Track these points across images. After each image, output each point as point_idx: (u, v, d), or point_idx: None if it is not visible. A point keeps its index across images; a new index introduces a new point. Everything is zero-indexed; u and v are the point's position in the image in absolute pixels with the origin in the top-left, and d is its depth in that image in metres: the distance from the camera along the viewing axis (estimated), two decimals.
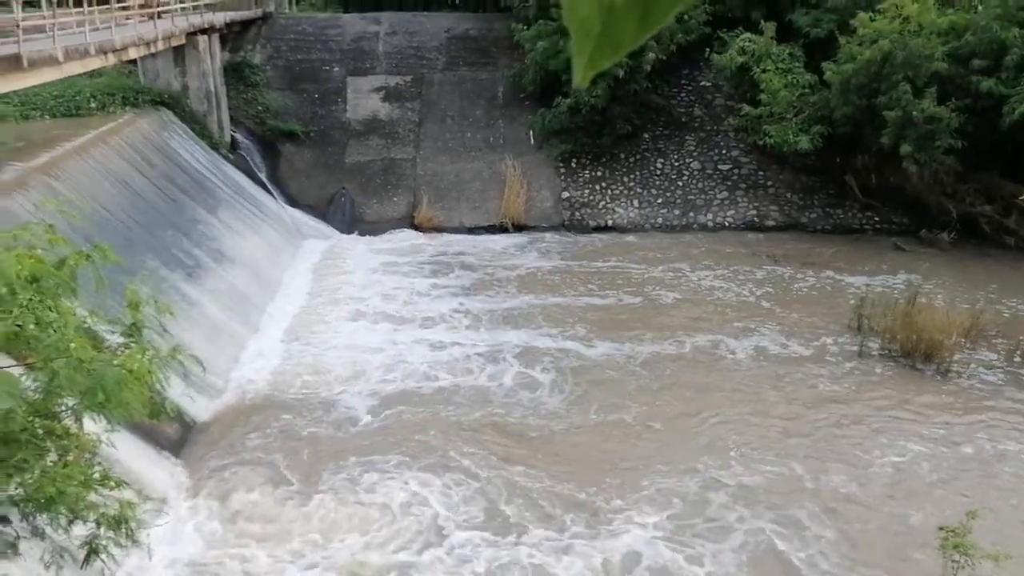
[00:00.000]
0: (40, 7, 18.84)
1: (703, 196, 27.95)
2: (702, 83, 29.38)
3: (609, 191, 28.20)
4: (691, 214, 27.72)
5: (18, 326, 4.67)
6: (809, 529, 12.55)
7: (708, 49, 27.77)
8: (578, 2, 1.02)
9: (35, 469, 5.55)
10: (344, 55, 31.29)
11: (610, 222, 27.72)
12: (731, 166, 28.31)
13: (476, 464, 14.26)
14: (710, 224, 27.52)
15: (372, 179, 28.82)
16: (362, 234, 27.41)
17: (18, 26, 15.83)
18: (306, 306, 21.81)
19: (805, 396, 16.80)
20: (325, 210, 28.09)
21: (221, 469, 14.27)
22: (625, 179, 28.36)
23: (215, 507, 13.13)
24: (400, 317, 21.00)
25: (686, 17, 27.35)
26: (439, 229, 27.60)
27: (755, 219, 27.56)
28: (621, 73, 26.15)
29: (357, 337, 19.83)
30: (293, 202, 28.14)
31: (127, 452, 13.86)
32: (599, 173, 28.47)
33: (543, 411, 16.23)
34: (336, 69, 30.96)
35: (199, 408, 16.28)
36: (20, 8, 16.48)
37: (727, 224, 27.50)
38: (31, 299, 4.28)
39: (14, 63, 15.63)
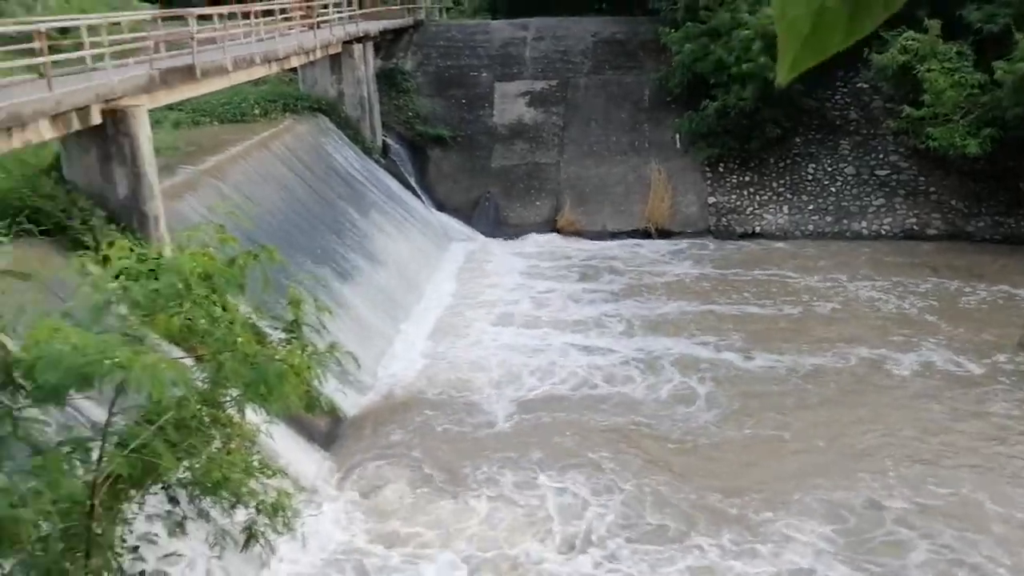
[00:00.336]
0: (212, 20, 20.03)
1: (857, 203, 26.76)
2: (859, 84, 28.13)
3: (757, 196, 27.42)
4: (844, 221, 26.59)
5: (189, 320, 4.97)
6: (991, 555, 11.81)
7: (866, 49, 26.52)
8: (788, 6, 1.01)
9: (202, 455, 5.85)
10: (492, 61, 31.78)
11: (758, 228, 26.94)
12: (889, 171, 26.98)
13: (624, 472, 14.08)
14: (865, 232, 26.30)
15: (516, 183, 29.14)
16: (505, 237, 27.74)
17: (193, 38, 16.90)
18: (451, 307, 22.27)
19: (975, 417, 15.77)
20: (470, 213, 28.60)
21: (367, 463, 14.76)
22: (774, 184, 27.51)
23: (361, 499, 13.60)
24: (543, 320, 21.11)
25: None
26: (581, 233, 27.59)
27: (914, 227, 26.15)
28: (771, 75, 25.37)
29: (501, 339, 20.08)
30: (440, 206, 28.80)
31: (282, 443, 14.54)
32: (747, 178, 27.73)
33: (697, 422, 15.85)
34: (484, 74, 31.49)
35: (348, 404, 16.90)
36: (195, 22, 17.60)
37: (883, 232, 26.21)
38: (204, 295, 4.57)
39: (189, 73, 16.70)
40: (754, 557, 11.95)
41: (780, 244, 26.10)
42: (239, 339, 4.70)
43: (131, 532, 6.15)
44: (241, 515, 6.26)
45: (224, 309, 4.85)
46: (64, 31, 15.89)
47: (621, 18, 33.04)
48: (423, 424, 16.17)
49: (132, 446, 5.19)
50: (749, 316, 20.90)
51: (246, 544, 5.65)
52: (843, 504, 13.01)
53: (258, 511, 5.43)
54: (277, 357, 4.70)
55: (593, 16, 34.08)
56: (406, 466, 14.53)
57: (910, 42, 25.09)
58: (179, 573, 7.71)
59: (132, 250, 5.35)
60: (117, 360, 4.07)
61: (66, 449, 4.69)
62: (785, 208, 27.13)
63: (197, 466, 5.62)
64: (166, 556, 5.49)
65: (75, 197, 14.55)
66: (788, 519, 12.71)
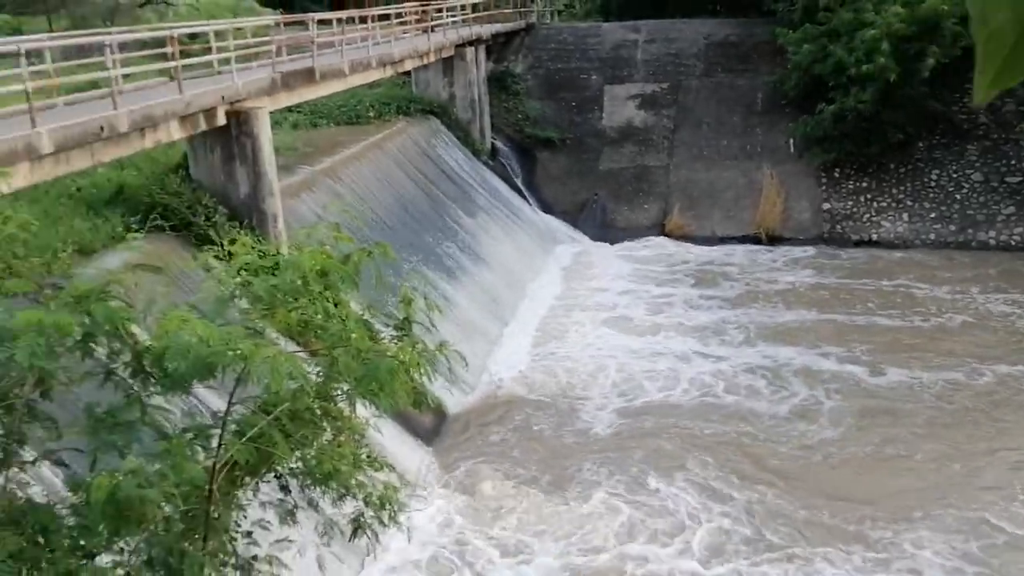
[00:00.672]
0: (331, 25, 20.65)
1: (985, 211, 25.49)
2: None
3: (875, 203, 26.45)
4: (969, 231, 25.37)
5: (305, 316, 5.16)
6: None
7: None
8: (989, 10, 0.92)
9: (313, 446, 6.04)
10: (602, 63, 31.68)
11: (874, 236, 25.98)
12: (1021, 178, 25.60)
13: (733, 485, 13.80)
14: (992, 242, 25.03)
15: (624, 186, 28.96)
16: (612, 241, 27.60)
17: (313, 42, 17.48)
18: (555, 309, 22.30)
19: None
20: (577, 216, 28.58)
21: (469, 460, 14.95)
22: (894, 191, 26.48)
23: (462, 496, 13.79)
24: (649, 324, 20.91)
25: None
26: (690, 238, 27.21)
27: None
28: (894, 77, 24.46)
29: (605, 342, 19.99)
30: (547, 208, 28.89)
31: (389, 438, 14.86)
32: (864, 184, 26.79)
33: (820, 436, 15.39)
34: (594, 77, 31.42)
35: (452, 402, 17.15)
36: (315, 27, 18.21)
37: (1014, 243, 24.87)
38: (320, 292, 4.74)
39: (309, 76, 17.28)
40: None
41: (898, 253, 25.10)
42: (353, 335, 4.85)
43: (245, 518, 6.41)
44: (349, 506, 6.43)
45: (336, 305, 5.01)
46: (193, 36, 16.64)
47: (735, 20, 32.42)
48: (524, 424, 16.26)
49: (249, 435, 5.41)
50: (874, 327, 20.09)
51: (353, 534, 5.81)
52: (970, 530, 12.42)
53: (366, 503, 5.58)
54: (389, 354, 4.82)
55: (707, 18, 33.52)
56: (506, 465, 14.65)
57: None
58: (289, 559, 7.98)
59: (254, 247, 5.58)
60: (240, 351, 4.26)
61: (189, 435, 4.92)
62: (905, 216, 26.09)
63: (309, 457, 5.81)
64: (277, 542, 5.69)
65: (200, 195, 15.26)
66: (912, 539, 12.23)
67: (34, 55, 12.72)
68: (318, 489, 6.12)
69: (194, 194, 15.22)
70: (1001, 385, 16.93)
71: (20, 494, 5.04)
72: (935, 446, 14.81)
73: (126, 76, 14.19)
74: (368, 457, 7.15)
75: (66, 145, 10.54)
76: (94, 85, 14.59)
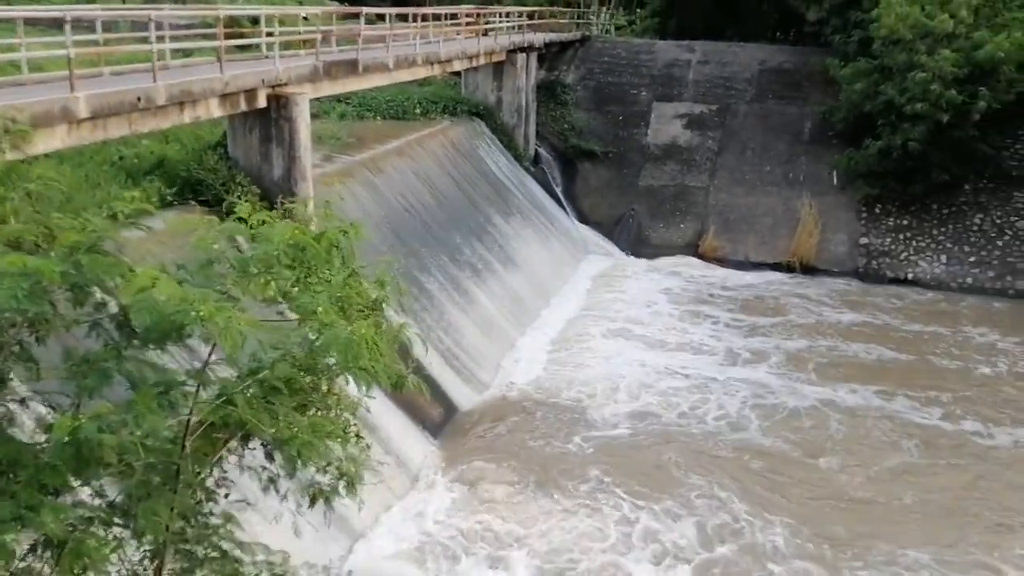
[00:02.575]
0: (385, 21, 21.02)
1: None
2: None
3: (914, 242, 26.13)
4: (1008, 278, 24.94)
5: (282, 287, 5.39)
6: None
7: None
8: None
9: (291, 416, 6.25)
10: (653, 80, 31.74)
11: (910, 275, 25.66)
12: None
13: (734, 509, 13.74)
14: None
15: (662, 204, 28.96)
16: (644, 256, 27.63)
17: (359, 36, 17.84)
18: (579, 318, 22.39)
19: None
20: (611, 229, 28.67)
21: (473, 456, 15.12)
22: (934, 231, 26.13)
23: (459, 488, 13.98)
24: (669, 342, 20.90)
25: None
26: (723, 261, 27.13)
27: None
28: (945, 118, 24.17)
29: (624, 355, 20.02)
30: (583, 218, 29.02)
31: (396, 427, 15.17)
32: (905, 222, 26.48)
33: (821, 472, 15.36)
34: (643, 93, 31.49)
35: (463, 398, 17.37)
36: (363, 21, 18.59)
37: None
38: (290, 264, 4.96)
39: (352, 67, 17.64)
40: None
41: (931, 294, 24.78)
42: (319, 308, 5.06)
43: (228, 480, 6.64)
44: (326, 477, 6.60)
45: (306, 278, 5.21)
46: (255, 21, 17.07)
47: (791, 47, 32.28)
48: (533, 426, 16.39)
49: (219, 397, 5.64)
50: (907, 367, 19.75)
51: (312, 502, 6.02)
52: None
53: (324, 472, 5.78)
54: (349, 329, 5.02)
55: (764, 44, 33.39)
56: (509, 464, 14.78)
57: None
58: (265, 526, 8.23)
59: (248, 216, 5.81)
60: (199, 312, 4.49)
61: (158, 390, 5.16)
62: (943, 257, 25.73)
63: (281, 426, 6.00)
64: (237, 501, 5.92)
65: (235, 173, 15.67)
66: None
67: (86, 24, 13.24)
68: (285, 457, 6.25)
69: (229, 172, 15.64)
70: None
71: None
72: (939, 496, 14.64)
73: (174, 52, 14.69)
74: (356, 436, 7.39)
75: (102, 112, 10.95)
76: (160, 59, 15.09)
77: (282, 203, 6.80)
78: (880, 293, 24.79)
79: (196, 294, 4.63)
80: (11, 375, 5.56)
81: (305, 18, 17.74)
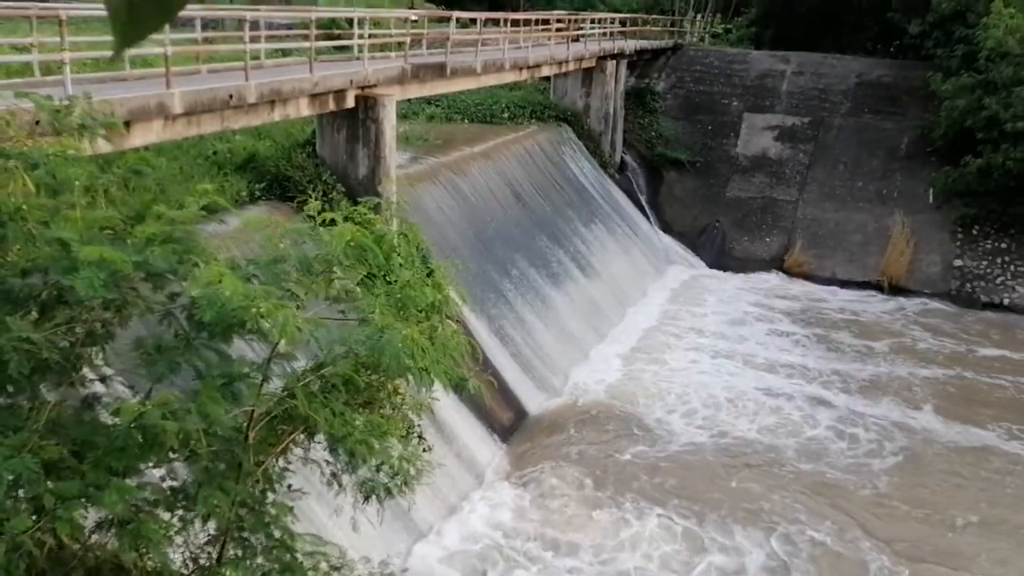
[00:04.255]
0: (475, 25, 21.23)
1: None
2: None
3: (1012, 266, 25.04)
4: None
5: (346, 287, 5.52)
6: None
7: None
8: None
9: (354, 413, 6.39)
10: (745, 91, 31.22)
11: (1006, 300, 24.60)
12: None
13: (801, 537, 13.46)
14: None
15: (748, 216, 28.46)
16: (728, 269, 27.19)
17: (448, 39, 18.07)
18: (656, 328, 22.17)
19: None
20: (695, 240, 28.30)
21: (538, 461, 15.16)
22: None
23: (523, 493, 14.02)
24: (749, 358, 20.50)
25: None
26: (809, 276, 26.50)
27: None
28: None
29: (700, 368, 19.77)
30: (667, 228, 28.73)
31: (464, 429, 15.32)
32: (1003, 244, 25.39)
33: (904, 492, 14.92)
34: (734, 103, 31.00)
35: (534, 403, 17.42)
36: (454, 24, 18.82)
37: None
38: (350, 264, 5.08)
39: (440, 70, 17.88)
40: None
41: None
42: (376, 311, 5.16)
43: (292, 472, 6.83)
44: (380, 475, 6.70)
45: (371, 278, 5.33)
46: (351, 23, 17.46)
47: (890, 60, 31.30)
48: (600, 436, 16.33)
49: (283, 391, 5.81)
50: (1002, 400, 18.97)
51: (365, 500, 6.13)
52: None
53: (378, 470, 5.89)
54: (404, 331, 5.11)
55: (861, 56, 32.49)
56: (573, 470, 14.77)
57: None
58: (325, 518, 8.42)
59: (319, 213, 5.97)
60: (259, 309, 4.64)
61: (222, 380, 5.35)
62: None
63: (339, 423, 6.12)
64: (294, 490, 6.08)
65: (321, 171, 16.08)
66: None
67: (187, 23, 13.78)
68: (357, 456, 6.39)
69: (316, 170, 16.04)
70: None
71: (74, 408, 5.60)
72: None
73: (273, 52, 15.15)
74: (419, 436, 7.50)
75: (196, 108, 11.37)
76: (255, 58, 15.61)
77: (354, 203, 6.95)
78: (975, 318, 23.80)
79: (259, 291, 4.79)
80: (97, 355, 5.84)
81: (414, 20, 18.02)
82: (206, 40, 13.97)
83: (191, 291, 4.90)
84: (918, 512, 14.25)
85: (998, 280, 25.01)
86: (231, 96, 11.88)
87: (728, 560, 12.70)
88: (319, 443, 6.94)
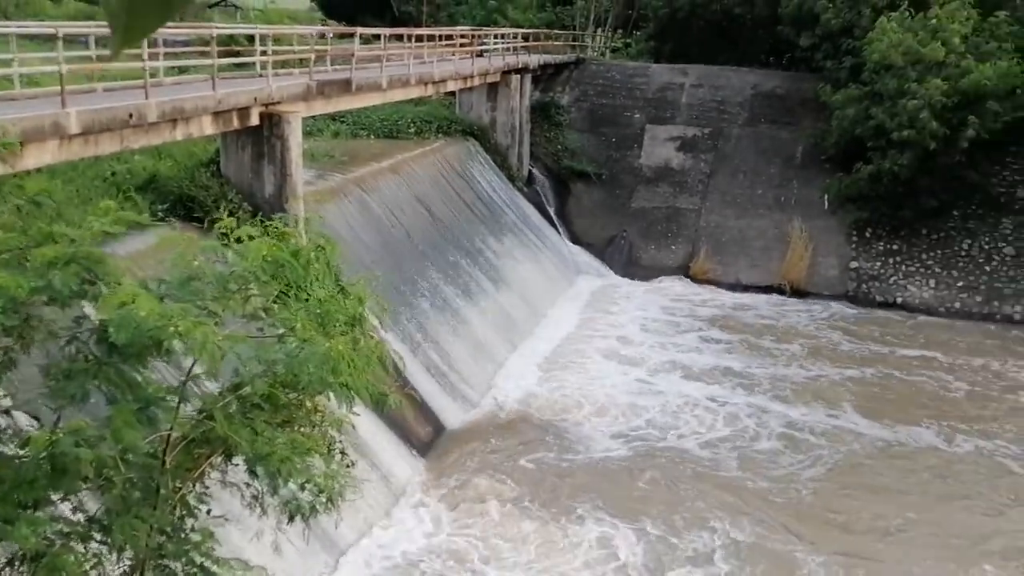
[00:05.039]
0: (378, 41, 21.18)
1: (1013, 285, 25.19)
2: None
3: (903, 267, 26.28)
4: (995, 303, 25.10)
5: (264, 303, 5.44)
6: None
7: None
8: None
9: (273, 432, 6.28)
10: (646, 103, 31.94)
11: (899, 299, 25.79)
12: None
13: (720, 529, 13.78)
14: (1017, 316, 24.75)
15: (654, 225, 29.10)
16: (636, 278, 27.72)
17: (353, 55, 17.98)
18: (569, 338, 22.42)
19: None
20: (604, 250, 28.77)
21: (458, 474, 15.13)
22: (923, 256, 26.29)
23: (443, 506, 13.97)
24: (659, 363, 20.93)
25: (1018, 91, 24.94)
26: (714, 282, 27.24)
27: None
28: (932, 145, 24.38)
29: (612, 376, 20.07)
30: (575, 239, 29.12)
31: (382, 445, 15.17)
32: (894, 246, 26.64)
33: (807, 491, 15.40)
34: (637, 116, 31.68)
35: (451, 417, 17.38)
36: (358, 41, 18.74)
37: None
38: (266, 280, 5.02)
39: (345, 86, 17.77)
40: None
41: (921, 318, 24.91)
42: (297, 324, 5.11)
43: (209, 495, 6.66)
44: (304, 494, 6.60)
45: (286, 295, 5.27)
46: (251, 40, 17.19)
47: (783, 72, 32.50)
48: (520, 446, 16.39)
49: (200, 412, 5.67)
50: (901, 394, 19.74)
51: (291, 519, 6.04)
52: None
53: (302, 488, 5.81)
54: (327, 345, 5.07)
55: (757, 68, 33.65)
56: (494, 482, 14.79)
57: None
58: (245, 542, 8.23)
59: (231, 230, 5.87)
60: (178, 328, 4.54)
61: (137, 405, 5.20)
62: (932, 282, 25.87)
63: (260, 442, 6.02)
64: (216, 516, 5.94)
65: (227, 190, 15.75)
66: None
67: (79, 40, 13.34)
68: (278, 475, 6.29)
69: (221, 189, 15.71)
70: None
71: None
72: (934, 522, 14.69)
73: (170, 69, 14.79)
74: (340, 452, 7.41)
75: (93, 128, 11.02)
76: (153, 76, 15.20)
77: (263, 221, 6.86)
78: (870, 317, 24.86)
79: (175, 310, 4.68)
80: None
81: (320, 36, 17.84)
82: (100, 58, 13.56)
83: (102, 313, 4.75)
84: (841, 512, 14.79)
85: (891, 280, 26.19)
86: (131, 115, 11.56)
87: (651, 564, 12.90)
88: (237, 465, 6.80)
